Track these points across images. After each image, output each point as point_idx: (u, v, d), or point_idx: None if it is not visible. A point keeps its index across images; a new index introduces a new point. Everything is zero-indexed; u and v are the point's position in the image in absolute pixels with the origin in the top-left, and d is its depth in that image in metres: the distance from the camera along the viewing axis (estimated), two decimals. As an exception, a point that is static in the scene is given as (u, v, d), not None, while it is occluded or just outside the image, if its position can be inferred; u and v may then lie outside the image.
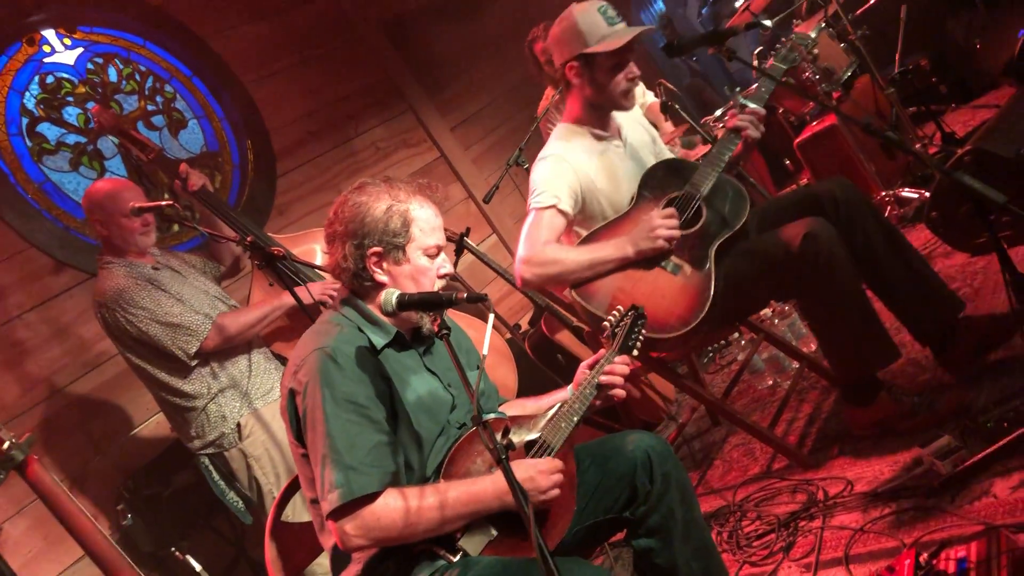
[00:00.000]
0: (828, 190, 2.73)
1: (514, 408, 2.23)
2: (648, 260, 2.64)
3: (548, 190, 2.72)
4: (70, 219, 3.90)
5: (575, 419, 1.97)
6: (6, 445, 1.77)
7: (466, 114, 5.82)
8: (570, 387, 2.11)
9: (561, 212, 2.71)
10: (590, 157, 2.80)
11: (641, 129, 3.06)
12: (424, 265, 2.00)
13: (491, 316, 1.75)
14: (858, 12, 4.14)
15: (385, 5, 5.53)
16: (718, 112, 4.62)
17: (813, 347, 3.33)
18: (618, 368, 2.05)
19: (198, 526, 3.56)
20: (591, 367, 2.08)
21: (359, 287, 2.02)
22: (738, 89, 4.52)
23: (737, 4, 4.23)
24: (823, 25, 4.01)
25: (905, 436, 2.50)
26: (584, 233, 2.77)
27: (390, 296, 1.86)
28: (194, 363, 3.08)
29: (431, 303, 1.84)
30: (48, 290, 3.67)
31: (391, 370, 1.94)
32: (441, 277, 2.03)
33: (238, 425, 3.10)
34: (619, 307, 2.16)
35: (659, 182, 2.79)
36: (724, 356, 4.00)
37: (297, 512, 2.54)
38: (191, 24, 4.53)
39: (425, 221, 2.01)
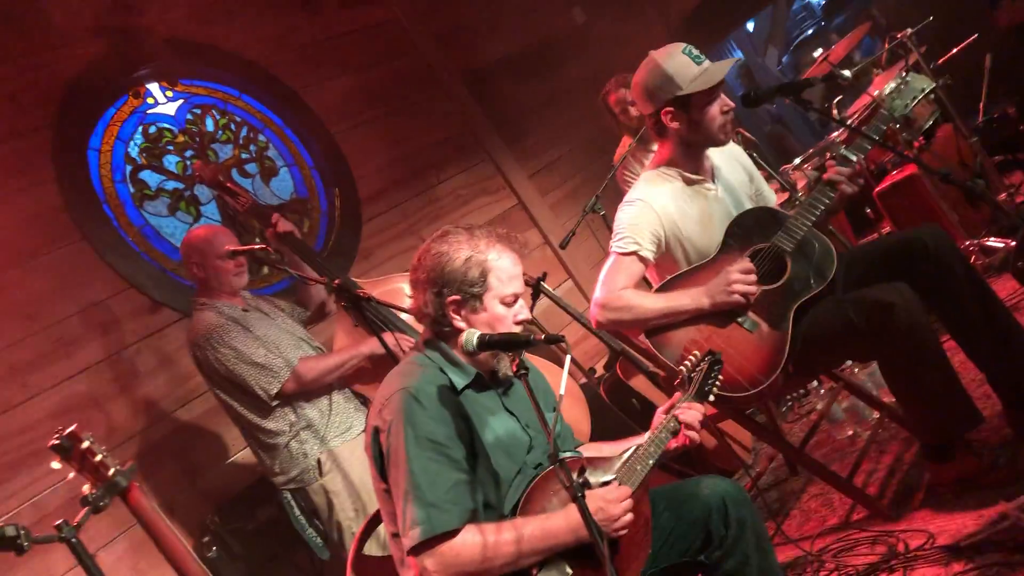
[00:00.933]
0: (919, 238, 2.67)
1: (590, 451, 2.27)
2: (724, 313, 2.62)
3: (631, 235, 2.73)
4: (166, 261, 4.11)
5: (650, 462, 2.01)
6: (111, 472, 1.88)
7: (543, 162, 5.94)
8: (648, 433, 2.14)
9: (641, 259, 2.72)
10: (678, 202, 2.79)
11: (739, 167, 3.02)
12: (501, 313, 2.07)
13: (568, 356, 1.81)
14: (940, 61, 4.11)
15: (467, 59, 5.71)
16: (797, 160, 4.62)
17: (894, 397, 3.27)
18: (692, 413, 2.08)
19: (279, 560, 3.65)
20: (667, 411, 2.12)
21: (440, 331, 2.10)
22: (837, 138, 4.49)
23: (816, 54, 4.24)
24: (904, 75, 4.00)
25: (989, 490, 2.45)
26: (666, 276, 2.78)
27: (471, 336, 1.93)
28: (275, 403, 3.21)
29: (510, 343, 1.91)
30: (146, 328, 3.86)
31: (471, 410, 2.01)
32: (518, 323, 2.09)
33: (318, 462, 3.20)
34: (696, 352, 2.18)
35: (746, 231, 2.76)
36: (803, 405, 3.96)
37: (379, 546, 2.61)
38: (284, 78, 4.76)
39: (503, 271, 2.07)
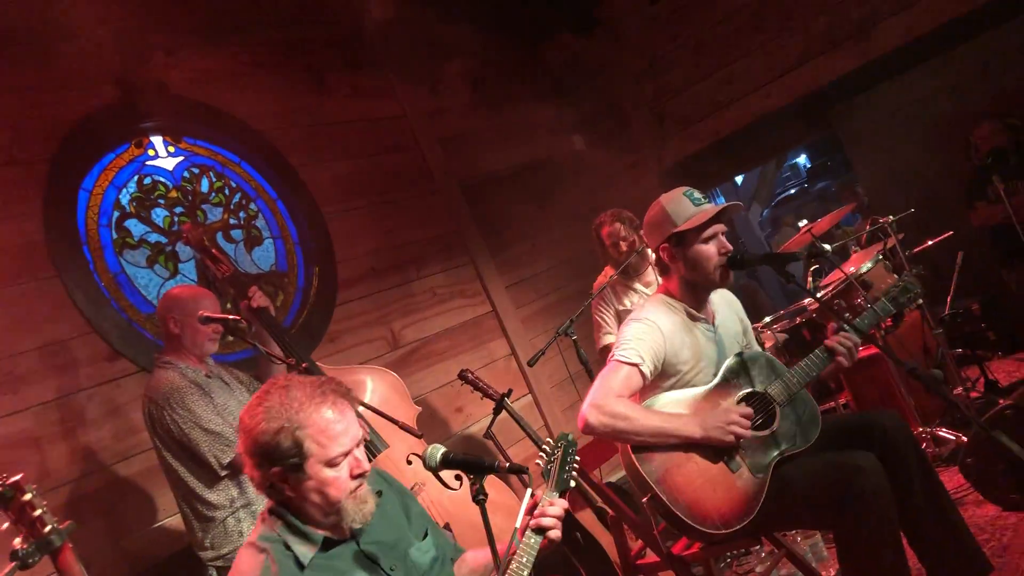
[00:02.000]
0: (879, 422, 2.77)
1: (466, 567, 2.21)
2: (713, 448, 2.67)
3: (636, 348, 2.77)
4: (135, 312, 4.07)
5: (525, 573, 1.92)
6: (48, 528, 1.83)
7: (522, 275, 6.02)
8: (515, 535, 2.03)
9: (641, 373, 2.76)
10: (679, 332, 2.86)
11: (735, 319, 3.12)
12: (328, 476, 1.95)
13: (528, 492, 1.81)
14: (916, 250, 4.30)
15: (466, 165, 5.84)
16: (767, 319, 4.73)
17: (832, 573, 3.29)
18: (554, 509, 2.01)
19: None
20: (529, 512, 2.03)
21: (278, 499, 2.02)
22: (808, 306, 4.61)
23: (801, 224, 4.41)
24: (880, 257, 4.17)
25: None
26: (647, 396, 2.82)
27: (435, 452, 1.93)
28: (224, 473, 3.14)
29: (474, 467, 1.90)
30: (101, 375, 3.80)
31: None
32: (355, 477, 1.98)
33: (252, 544, 3.12)
34: (548, 440, 2.15)
35: (744, 372, 2.84)
36: (742, 564, 3.95)
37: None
38: (286, 152, 4.84)
39: (321, 432, 1.95)
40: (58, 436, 3.62)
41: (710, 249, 2.82)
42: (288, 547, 1.95)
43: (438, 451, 1.93)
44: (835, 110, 6.09)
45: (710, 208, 2.83)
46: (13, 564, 1.78)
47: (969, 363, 4.64)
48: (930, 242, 4.36)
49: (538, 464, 2.12)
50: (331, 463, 1.96)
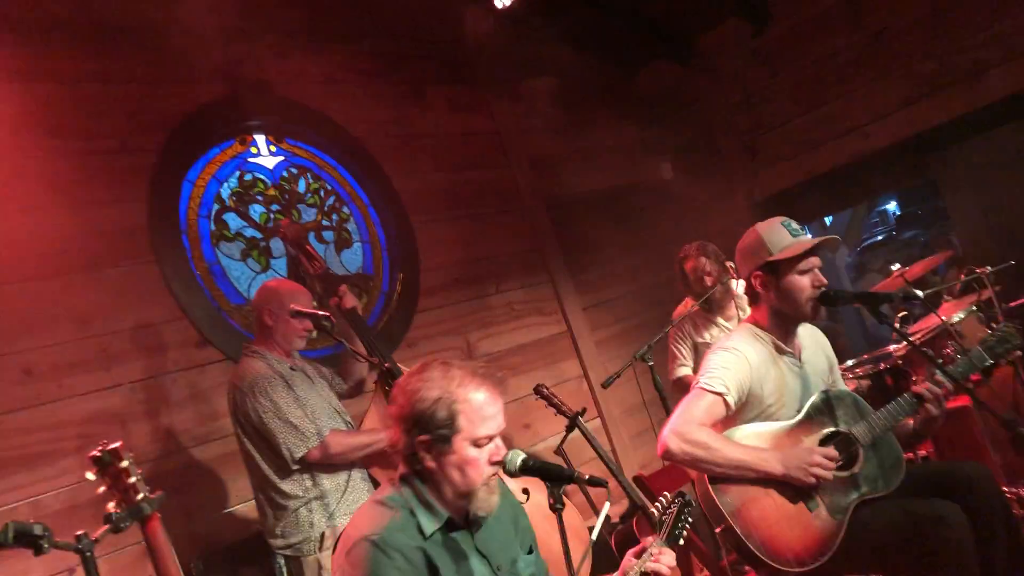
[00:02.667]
0: (964, 472, 2.71)
1: None
2: (791, 486, 2.64)
3: (722, 378, 2.75)
4: (225, 302, 4.21)
5: None
6: (140, 496, 1.91)
7: (600, 299, 6.02)
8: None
9: (725, 403, 2.74)
10: (765, 364, 2.83)
11: (822, 355, 3.07)
12: (471, 456, 2.01)
13: (606, 505, 1.82)
14: (1012, 303, 4.17)
15: (554, 185, 5.90)
16: (849, 363, 4.63)
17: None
18: (664, 558, 2.04)
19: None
20: (637, 555, 2.07)
21: (413, 469, 2.07)
22: (895, 352, 4.50)
23: (894, 268, 4.32)
24: (974, 308, 4.06)
25: None
26: (728, 426, 2.79)
27: (515, 457, 1.95)
28: (295, 467, 3.22)
29: (554, 476, 1.91)
30: (188, 360, 3.93)
31: (440, 558, 1.99)
32: (493, 464, 2.03)
33: (322, 535, 3.19)
34: (665, 494, 2.18)
35: (829, 410, 2.80)
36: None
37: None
38: (381, 160, 4.96)
39: (475, 412, 2.01)
40: (143, 415, 3.76)
41: (804, 281, 2.78)
42: (413, 514, 2.01)
43: (518, 456, 1.95)
44: (934, 156, 5.95)
45: (808, 240, 2.80)
46: (106, 527, 1.86)
47: (1060, 425, 4.45)
48: (1028, 297, 4.22)
49: (653, 513, 2.19)
50: (477, 443, 2.02)
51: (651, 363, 4.16)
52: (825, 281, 2.82)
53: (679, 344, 4.63)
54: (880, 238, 12.43)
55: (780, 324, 2.89)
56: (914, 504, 2.57)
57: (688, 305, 4.58)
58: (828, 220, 9.55)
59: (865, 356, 4.68)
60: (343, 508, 3.26)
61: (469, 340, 5.12)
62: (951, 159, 5.87)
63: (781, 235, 2.82)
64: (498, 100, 5.76)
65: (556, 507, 1.81)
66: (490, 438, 2.05)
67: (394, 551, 1.91)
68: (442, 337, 4.99)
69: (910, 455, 4.69)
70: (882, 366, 4.28)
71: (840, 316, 8.13)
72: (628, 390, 5.71)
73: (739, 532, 2.55)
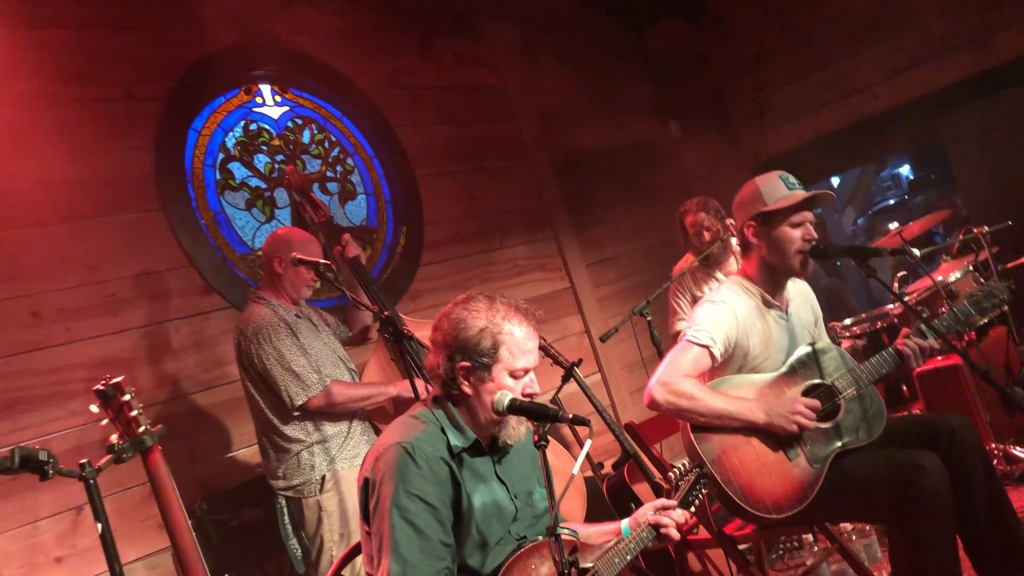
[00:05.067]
0: (949, 425, 2.74)
1: (578, 534, 2.32)
2: (774, 435, 2.70)
3: (708, 330, 2.79)
4: (230, 251, 4.26)
5: (628, 557, 2.07)
6: (142, 429, 1.98)
7: (604, 255, 6.06)
8: (625, 521, 2.20)
9: (711, 355, 2.78)
10: (752, 316, 2.87)
11: (808, 309, 3.11)
12: (508, 385, 2.11)
13: (588, 443, 1.88)
14: (1009, 265, 4.18)
15: (560, 141, 5.90)
16: (847, 321, 4.67)
17: (885, 575, 3.27)
18: (677, 516, 2.15)
19: (251, 563, 3.70)
20: (655, 510, 2.19)
21: (448, 392, 2.16)
22: (892, 311, 4.53)
23: (891, 226, 4.34)
24: (971, 268, 4.08)
25: None
26: (714, 377, 2.85)
27: (503, 397, 2.02)
28: (295, 413, 3.30)
29: (540, 414, 1.98)
30: (193, 308, 4.00)
31: (464, 474, 2.08)
32: (526, 396, 2.13)
33: (322, 478, 3.27)
34: (684, 462, 2.26)
35: (813, 363, 2.84)
36: (794, 558, 3.95)
37: (354, 575, 2.66)
38: (387, 112, 4.97)
39: (515, 344, 2.12)
40: (148, 360, 3.83)
41: (795, 233, 2.81)
42: (444, 432, 2.11)
43: (506, 396, 2.02)
44: (942, 118, 5.93)
45: (802, 193, 2.82)
46: (109, 456, 1.94)
47: (1054, 385, 4.51)
48: (1024, 258, 4.24)
49: (671, 476, 2.30)
50: (514, 374, 2.12)
51: (649, 318, 4.21)
52: (815, 235, 2.84)
53: (679, 299, 4.68)
54: (892, 202, 12.37)
55: (769, 277, 2.92)
56: (894, 452, 2.62)
57: (688, 260, 4.62)
58: (835, 182, 9.52)
59: (863, 315, 4.72)
60: (345, 453, 3.34)
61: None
62: (959, 120, 5.84)
63: (777, 187, 2.85)
64: (505, 54, 5.75)
65: (540, 444, 1.88)
66: (526, 371, 2.15)
67: (422, 458, 2.01)
68: (445, 291, 5.02)
69: (903, 412, 4.76)
70: (879, 324, 4.32)
71: (844, 275, 8.15)
72: (629, 346, 5.76)
73: (719, 479, 2.61)
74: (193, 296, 4.03)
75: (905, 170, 13.54)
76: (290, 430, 3.30)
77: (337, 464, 3.32)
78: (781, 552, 4.03)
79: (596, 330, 5.65)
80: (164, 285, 3.95)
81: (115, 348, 3.73)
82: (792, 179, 2.88)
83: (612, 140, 6.25)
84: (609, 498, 3.75)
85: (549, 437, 1.92)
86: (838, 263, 7.82)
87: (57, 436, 3.47)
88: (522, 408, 2.00)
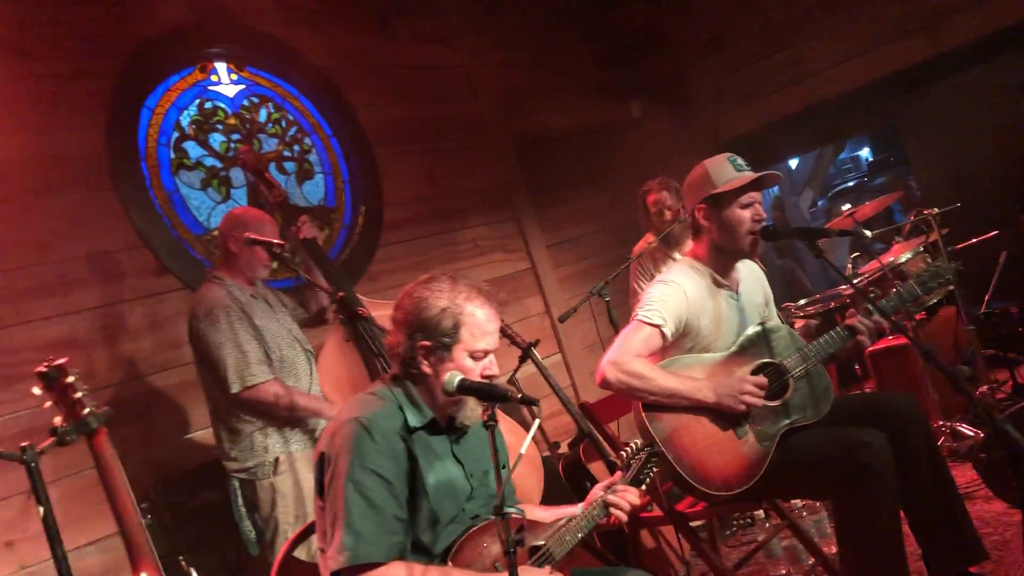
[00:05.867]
0: (894, 404, 2.81)
1: (525, 511, 2.34)
2: (723, 414, 2.73)
3: (659, 310, 2.82)
4: (185, 231, 4.21)
5: (579, 535, 2.10)
6: (86, 411, 1.96)
7: (565, 236, 6.08)
8: (581, 505, 2.22)
9: (662, 335, 2.81)
10: (702, 296, 2.90)
11: (759, 289, 3.15)
12: (467, 366, 2.11)
13: (536, 422, 1.90)
14: (959, 246, 4.26)
15: (521, 121, 5.89)
16: (802, 301, 4.74)
17: (834, 550, 3.33)
18: (628, 495, 2.18)
19: (207, 545, 3.68)
20: (604, 489, 2.21)
21: (407, 371, 2.17)
22: (845, 291, 4.59)
23: (844, 207, 4.40)
24: (921, 249, 4.15)
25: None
26: (665, 356, 2.87)
27: (453, 378, 2.02)
28: (244, 395, 3.21)
29: (489, 394, 1.99)
30: (147, 289, 3.95)
31: (419, 451, 2.08)
32: (485, 378, 2.14)
33: (276, 460, 3.26)
34: (636, 440, 2.30)
35: (760, 343, 2.88)
36: (747, 533, 4.02)
37: (308, 555, 2.66)
38: (345, 91, 4.93)
39: (476, 325, 2.13)
40: (101, 342, 3.78)
41: (744, 215, 2.84)
42: (401, 409, 2.12)
43: (456, 377, 2.02)
44: (898, 101, 6.01)
45: (750, 174, 2.85)
46: (52, 439, 1.92)
47: (1000, 365, 4.60)
48: (975, 240, 4.31)
49: (622, 454, 2.31)
50: (474, 355, 2.13)
51: (608, 299, 4.25)
52: (764, 215, 2.88)
53: (639, 279, 4.71)
54: (852, 184, 12.54)
55: (719, 258, 2.96)
56: (841, 430, 2.67)
57: (648, 241, 4.65)
58: (793, 164, 9.62)
59: (817, 296, 4.78)
60: (297, 436, 3.33)
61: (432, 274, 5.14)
62: (913, 104, 5.93)
63: (726, 169, 2.88)
64: (467, 33, 5.72)
65: (489, 424, 1.89)
66: (486, 352, 2.15)
67: (379, 434, 2.02)
68: (405, 271, 5.00)
69: (857, 391, 4.85)
70: (832, 305, 4.39)
71: (801, 256, 8.25)
72: (590, 326, 5.82)
73: (670, 457, 2.64)
74: (147, 277, 3.98)
75: (865, 152, 13.72)
76: (242, 411, 3.27)
77: (292, 446, 3.31)
78: (735, 528, 4.10)
79: (557, 310, 5.66)
80: (117, 266, 3.90)
81: (67, 329, 3.68)
82: (740, 161, 2.91)
83: (573, 120, 6.25)
84: (564, 476, 3.79)
85: (510, 418, 1.93)
86: (796, 245, 7.91)
87: (7, 419, 3.42)
88: (471, 388, 2.01)
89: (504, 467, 2.26)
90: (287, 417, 3.30)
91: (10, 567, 3.30)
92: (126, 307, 3.88)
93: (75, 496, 3.45)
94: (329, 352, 3.63)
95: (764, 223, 2.85)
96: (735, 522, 4.09)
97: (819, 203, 11.00)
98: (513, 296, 5.59)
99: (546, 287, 5.77)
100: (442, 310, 2.10)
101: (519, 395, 1.93)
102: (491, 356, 2.18)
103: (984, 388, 4.19)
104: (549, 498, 3.70)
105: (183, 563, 3.36)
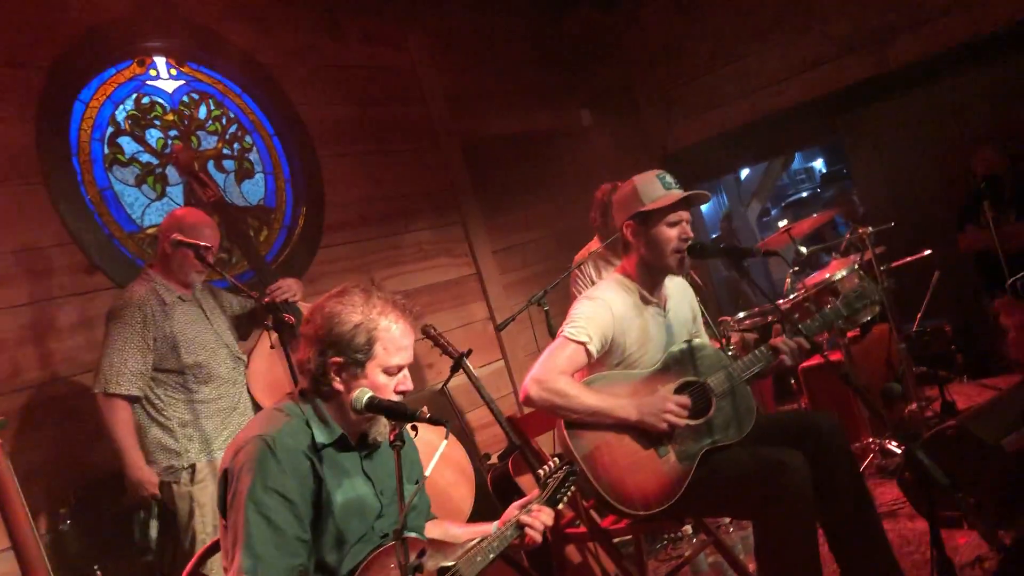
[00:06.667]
0: (816, 423, 2.83)
1: (439, 529, 2.31)
2: (645, 433, 2.72)
3: (585, 327, 2.81)
4: (117, 228, 4.12)
5: (491, 555, 2.07)
6: (-20, 421, 1.90)
7: (511, 242, 6.05)
8: (495, 524, 2.20)
9: (587, 352, 2.80)
10: (629, 313, 2.90)
11: (687, 306, 3.16)
12: (381, 382, 2.08)
13: (443, 443, 1.87)
14: (893, 264, 4.32)
15: (469, 125, 5.85)
16: (740, 315, 4.76)
17: (758, 567, 3.36)
18: (542, 515, 2.16)
19: (125, 555, 3.59)
20: (519, 508, 2.19)
21: (317, 388, 2.11)
22: (782, 306, 4.61)
23: (781, 224, 4.44)
24: (855, 267, 4.20)
25: None
26: (590, 373, 2.86)
27: (362, 395, 1.99)
28: (100, 397, 3.22)
29: (396, 413, 1.96)
30: (77, 286, 3.85)
31: (327, 469, 2.04)
32: (399, 393, 2.11)
33: (192, 466, 3.20)
34: (555, 458, 2.28)
35: (686, 360, 2.88)
36: (676, 548, 4.03)
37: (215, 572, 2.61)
38: (289, 90, 4.86)
39: (391, 341, 2.08)
40: (27, 340, 3.68)
41: (671, 233, 2.85)
42: (308, 425, 2.07)
43: (364, 394, 1.99)
44: (844, 116, 6.08)
45: (678, 193, 2.86)
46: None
47: (931, 382, 4.68)
48: (909, 258, 4.38)
49: (540, 473, 2.29)
50: (388, 371, 2.09)
51: (547, 308, 4.22)
52: (691, 234, 2.89)
53: (580, 287, 4.68)
54: (805, 195, 12.71)
55: (647, 274, 2.96)
56: (761, 451, 2.68)
57: (589, 250, 4.63)
58: (743, 174, 9.71)
59: (756, 309, 4.81)
60: (218, 442, 3.28)
61: (374, 278, 5.10)
62: (858, 120, 6.01)
63: (654, 187, 2.88)
64: (415, 35, 5.67)
65: (395, 444, 1.86)
66: (400, 368, 2.11)
67: (283, 452, 1.97)
68: (346, 274, 4.94)
69: (794, 406, 4.89)
70: (769, 319, 4.42)
71: (749, 268, 8.31)
72: (530, 336, 5.79)
73: (589, 475, 2.63)
74: (77, 274, 3.88)
75: (819, 164, 13.93)
76: (157, 409, 3.25)
77: (215, 454, 3.26)
78: (665, 542, 4.11)
79: (501, 317, 5.63)
80: (46, 263, 3.80)
81: (-8, 326, 3.58)
82: (669, 178, 2.91)
83: (522, 126, 6.23)
84: (492, 488, 3.76)
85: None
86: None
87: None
88: (380, 406, 1.98)
89: (417, 482, 2.23)
90: (213, 423, 3.26)
91: None
92: (55, 304, 3.79)
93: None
94: (257, 356, 3.58)
95: (690, 241, 2.85)
96: (665, 536, 4.10)
97: (772, 212, 11.14)
98: (457, 302, 5.56)
99: (491, 293, 5.75)
100: (356, 325, 2.05)
101: (427, 415, 1.90)
102: (405, 371, 2.14)
103: (914, 406, 4.25)
104: (480, 509, 3.69)
105: (98, 572, 3.27)
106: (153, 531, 3.22)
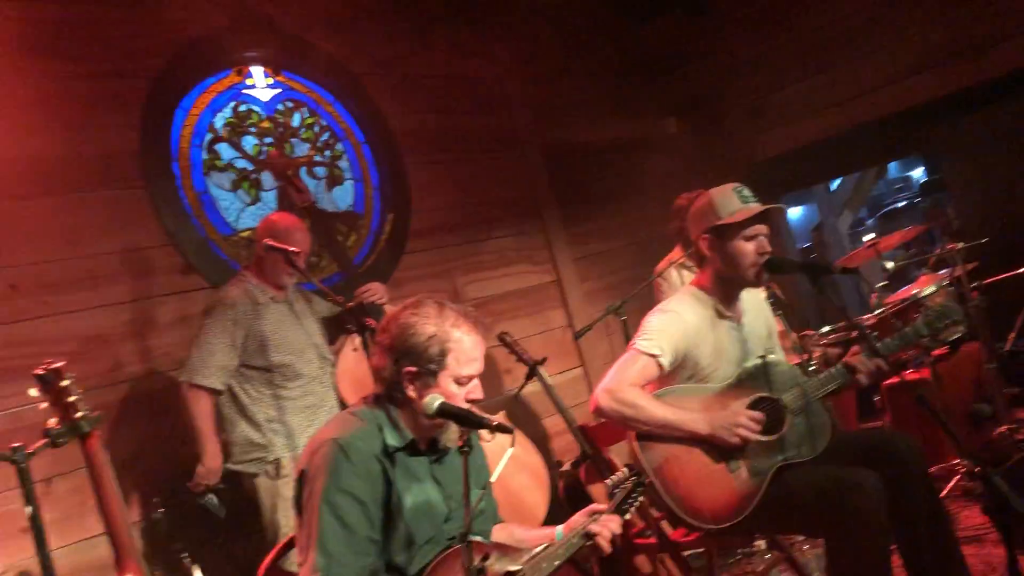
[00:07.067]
0: (894, 444, 2.79)
1: (504, 533, 2.36)
2: (717, 447, 2.72)
3: (657, 340, 2.82)
4: (213, 231, 4.30)
5: (556, 563, 2.09)
6: (79, 414, 2.03)
7: (592, 251, 6.06)
8: (560, 528, 2.23)
9: (659, 365, 2.81)
10: (703, 327, 2.89)
11: (762, 321, 3.13)
12: (453, 391, 2.14)
13: (509, 450, 1.91)
14: (986, 281, 4.17)
15: (553, 133, 5.89)
16: (824, 329, 4.67)
17: (833, 586, 3.30)
18: (611, 524, 2.17)
19: (215, 544, 3.74)
20: (587, 515, 2.22)
21: (390, 394, 2.19)
22: (867, 322, 4.53)
23: (867, 237, 4.34)
24: (945, 282, 4.08)
25: None
26: (663, 385, 2.87)
27: (433, 401, 2.05)
28: (185, 387, 3.40)
29: (465, 420, 2.02)
30: (174, 286, 4.04)
31: (398, 473, 2.11)
32: (469, 402, 2.17)
33: (277, 461, 3.33)
34: (624, 468, 2.29)
35: (761, 376, 2.86)
36: (749, 563, 3.98)
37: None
38: (379, 98, 5.00)
39: (463, 352, 2.15)
40: (128, 336, 3.88)
41: (748, 247, 2.83)
42: (381, 430, 2.15)
43: (435, 400, 2.05)
44: (940, 127, 5.90)
45: (756, 207, 2.84)
46: (45, 440, 1.99)
47: (1023, 404, 4.50)
48: (1004, 276, 4.22)
49: (608, 483, 2.32)
50: (459, 381, 2.15)
51: (624, 318, 4.23)
52: (769, 249, 2.86)
53: (665, 295, 4.65)
54: (901, 205, 12.31)
55: (722, 288, 2.94)
56: (835, 470, 2.64)
57: (671, 259, 4.60)
58: (833, 184, 9.47)
59: (842, 324, 4.71)
60: (303, 440, 3.39)
61: (456, 284, 5.20)
62: (955, 131, 5.81)
63: (731, 200, 2.86)
64: (502, 44, 5.75)
65: (463, 450, 1.92)
66: (471, 378, 2.18)
67: (356, 455, 2.05)
68: (430, 279, 5.05)
69: (878, 423, 4.78)
70: (853, 335, 4.32)
71: (822, 285, 8.09)
72: (613, 343, 5.79)
73: (659, 488, 2.64)
74: (174, 275, 4.07)
75: (918, 172, 13.42)
76: (243, 405, 3.40)
77: (300, 450, 3.35)
78: (739, 556, 4.06)
79: (580, 324, 5.64)
80: (146, 263, 3.99)
81: (93, 323, 3.78)
82: (747, 191, 2.90)
83: (606, 133, 6.24)
84: (564, 495, 3.79)
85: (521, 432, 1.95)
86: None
87: (27, 408, 3.50)
88: (450, 413, 2.04)
89: (484, 488, 2.28)
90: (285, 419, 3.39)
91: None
92: (154, 303, 3.98)
93: (70, 495, 3.53)
94: (344, 357, 3.71)
95: (767, 255, 2.83)
96: (739, 551, 4.05)
97: (867, 222, 10.84)
98: (536, 309, 5.60)
99: (570, 301, 5.77)
100: (429, 337, 2.12)
101: (495, 423, 1.95)
102: (475, 380, 2.20)
103: (1004, 428, 4.10)
104: (555, 513, 3.72)
105: (185, 560, 3.43)
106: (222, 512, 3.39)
